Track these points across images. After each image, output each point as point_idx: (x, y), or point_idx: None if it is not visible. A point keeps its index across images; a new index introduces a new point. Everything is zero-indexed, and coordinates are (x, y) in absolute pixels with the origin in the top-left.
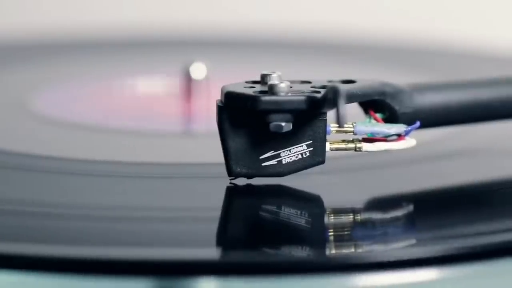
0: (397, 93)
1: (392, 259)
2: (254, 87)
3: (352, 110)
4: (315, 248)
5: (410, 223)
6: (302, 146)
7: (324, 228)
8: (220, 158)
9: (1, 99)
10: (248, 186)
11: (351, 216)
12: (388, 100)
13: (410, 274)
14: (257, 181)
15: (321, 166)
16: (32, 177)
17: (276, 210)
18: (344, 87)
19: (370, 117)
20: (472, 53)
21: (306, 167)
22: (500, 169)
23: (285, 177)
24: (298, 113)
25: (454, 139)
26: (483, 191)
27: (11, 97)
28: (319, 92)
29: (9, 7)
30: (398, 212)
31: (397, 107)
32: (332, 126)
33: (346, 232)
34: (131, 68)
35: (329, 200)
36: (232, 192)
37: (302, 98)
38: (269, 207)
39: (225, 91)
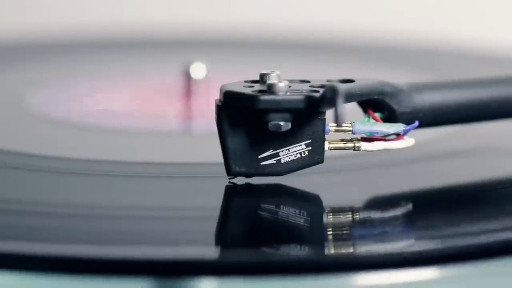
0: (396, 92)
1: (391, 258)
2: (253, 87)
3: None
4: (314, 247)
5: (409, 223)
6: (301, 145)
7: (323, 228)
8: (220, 158)
9: (1, 99)
10: (247, 185)
11: (350, 216)
12: (387, 100)
13: (409, 273)
14: (256, 180)
15: (320, 165)
16: (31, 176)
17: (275, 209)
18: (342, 87)
19: (369, 117)
20: (472, 53)
21: (305, 166)
22: (499, 168)
23: (284, 177)
24: (297, 113)
25: (453, 139)
26: (483, 190)
27: (11, 97)
28: (317, 91)
29: (9, 7)
30: (397, 212)
31: (396, 107)
32: (331, 126)
33: (345, 232)
34: (131, 68)
35: (328, 200)
36: (231, 192)
37: (301, 97)
38: (268, 206)
39: (224, 90)
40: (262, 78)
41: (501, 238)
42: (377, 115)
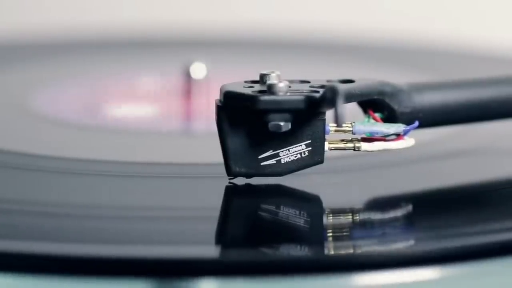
0: (396, 92)
1: (391, 258)
2: (253, 87)
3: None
4: (314, 248)
5: (409, 223)
6: (301, 145)
7: (323, 228)
8: (220, 158)
9: (1, 99)
10: (247, 185)
11: (350, 216)
12: (387, 100)
13: (409, 273)
14: (256, 180)
15: (320, 165)
16: (31, 176)
17: (275, 210)
18: (342, 87)
19: (369, 117)
20: (472, 53)
21: (305, 167)
22: (500, 169)
23: (284, 177)
24: (297, 113)
25: (453, 139)
26: (483, 191)
27: (11, 97)
28: (317, 91)
29: (9, 7)
30: (397, 212)
31: (396, 107)
32: (331, 126)
33: (345, 232)
34: (131, 68)
35: (328, 200)
36: (231, 192)
37: (301, 97)
38: (268, 206)
39: (224, 90)
40: (262, 78)
41: (501, 238)
42: (377, 115)
